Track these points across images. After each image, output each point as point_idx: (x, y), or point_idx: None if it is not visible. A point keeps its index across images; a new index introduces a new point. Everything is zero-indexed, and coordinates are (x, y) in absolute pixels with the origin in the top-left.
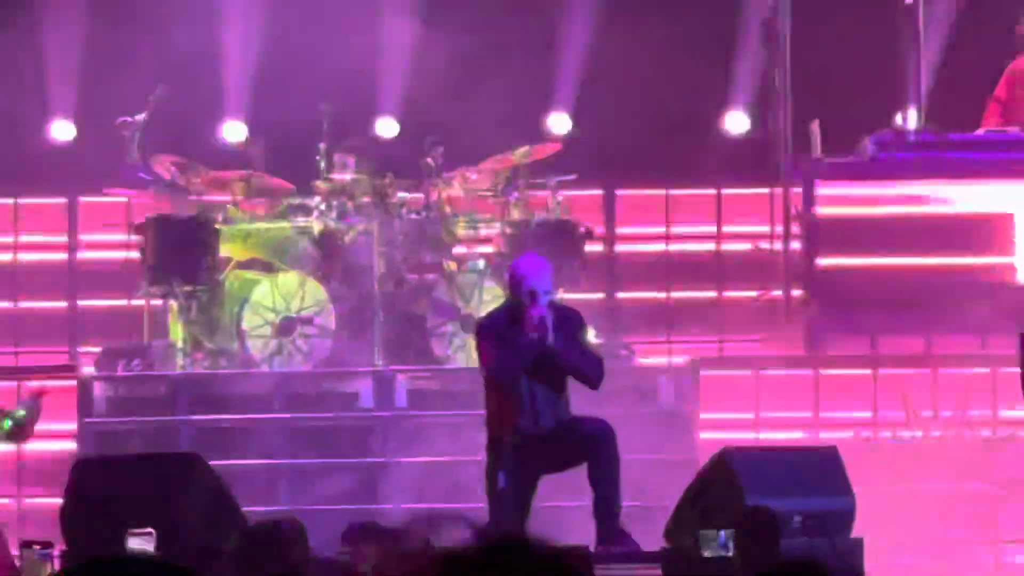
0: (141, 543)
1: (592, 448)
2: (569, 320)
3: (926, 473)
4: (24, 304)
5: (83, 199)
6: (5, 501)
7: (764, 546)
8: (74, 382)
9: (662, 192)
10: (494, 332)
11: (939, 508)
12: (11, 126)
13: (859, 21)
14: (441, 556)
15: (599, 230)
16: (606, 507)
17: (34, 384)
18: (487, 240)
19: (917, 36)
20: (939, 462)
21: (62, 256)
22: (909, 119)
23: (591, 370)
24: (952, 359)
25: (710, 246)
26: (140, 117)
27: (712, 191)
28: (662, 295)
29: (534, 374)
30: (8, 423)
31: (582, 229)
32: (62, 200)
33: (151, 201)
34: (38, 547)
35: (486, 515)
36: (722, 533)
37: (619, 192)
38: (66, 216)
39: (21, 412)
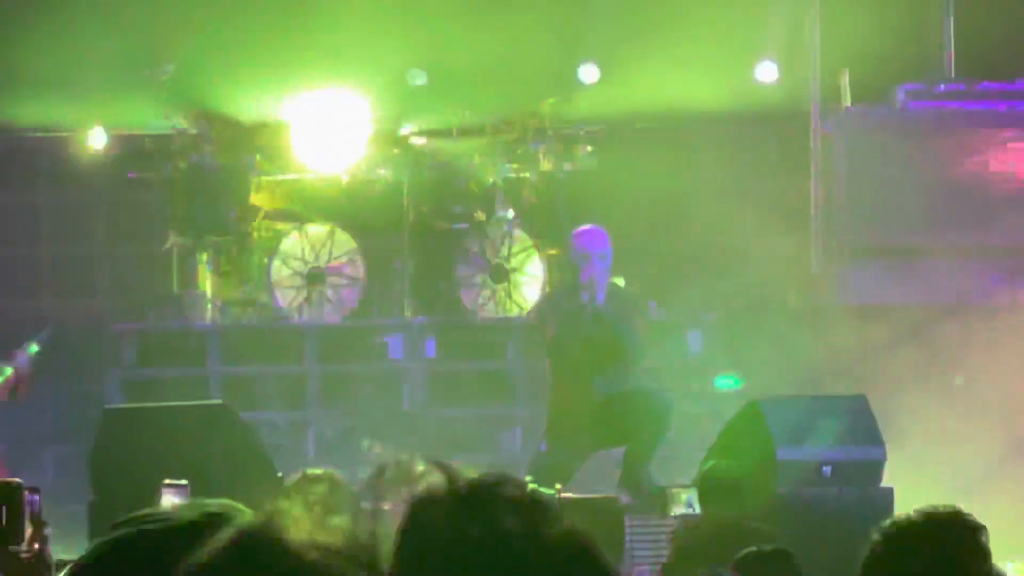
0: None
1: (646, 418)
2: (623, 300)
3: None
4: (54, 253)
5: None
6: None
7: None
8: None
9: (692, 139)
10: (552, 302)
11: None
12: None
13: None
14: (410, 502)
15: None
16: (637, 460)
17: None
18: (516, 190)
19: None
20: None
21: (92, 205)
22: (940, 68)
23: (629, 347)
24: (982, 309)
25: (740, 195)
26: (169, 68)
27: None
28: (690, 244)
29: (592, 343)
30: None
31: (612, 178)
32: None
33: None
34: None
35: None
36: (688, 494)
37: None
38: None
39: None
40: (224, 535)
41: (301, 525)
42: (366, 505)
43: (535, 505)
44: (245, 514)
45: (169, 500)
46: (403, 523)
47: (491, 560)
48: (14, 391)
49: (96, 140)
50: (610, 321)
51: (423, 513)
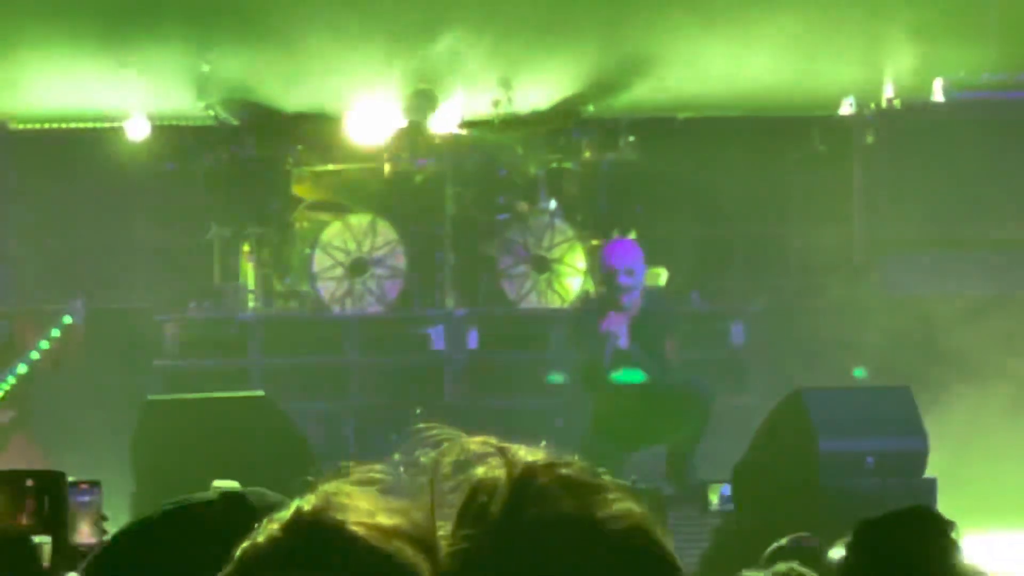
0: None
1: (688, 412)
2: (653, 324)
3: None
4: (94, 245)
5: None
6: None
7: None
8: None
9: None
10: (580, 332)
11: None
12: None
13: None
14: (469, 489)
15: None
16: (680, 453)
17: None
18: (558, 181)
19: None
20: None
21: (132, 197)
22: (979, 60)
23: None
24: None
25: (782, 185)
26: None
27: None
28: (734, 234)
29: (637, 361)
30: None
31: (654, 168)
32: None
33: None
34: None
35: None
36: (725, 486)
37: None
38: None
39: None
40: (280, 517)
41: (360, 507)
42: (424, 487)
43: (594, 487)
44: (266, 496)
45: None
46: (460, 508)
47: (547, 544)
48: (59, 361)
49: (137, 131)
50: (635, 359)
51: (480, 495)
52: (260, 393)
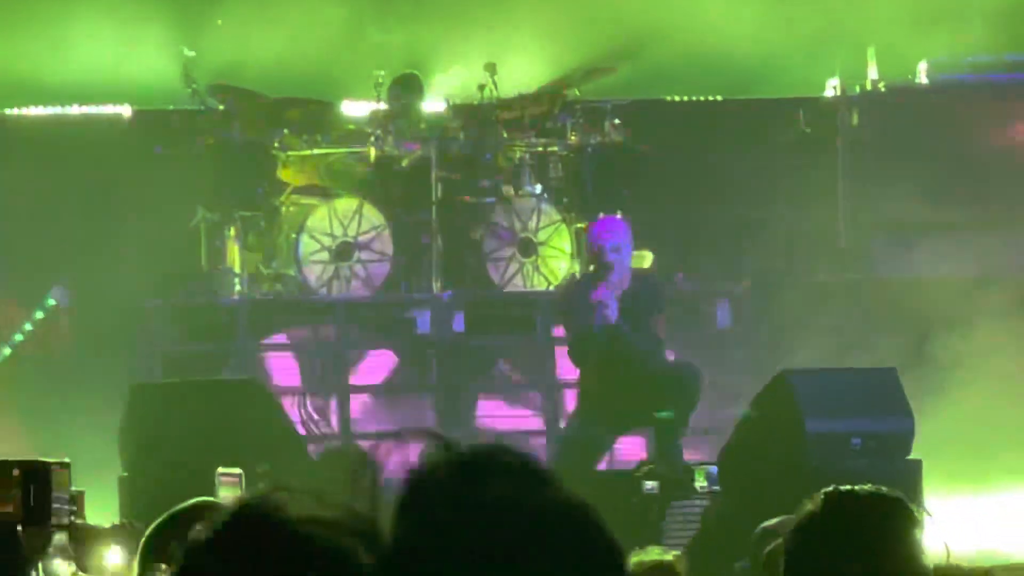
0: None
1: (675, 394)
2: (643, 297)
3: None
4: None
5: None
6: None
7: None
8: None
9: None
10: (568, 308)
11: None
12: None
13: None
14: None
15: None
16: (668, 435)
17: None
18: (544, 164)
19: None
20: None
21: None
22: (963, 42)
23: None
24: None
25: (768, 168)
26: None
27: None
28: (720, 217)
29: (607, 356)
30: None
31: (639, 151)
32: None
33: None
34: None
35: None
36: (712, 468)
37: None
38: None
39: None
40: (224, 511)
41: (301, 500)
42: (365, 478)
43: (532, 472)
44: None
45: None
46: (401, 494)
47: (489, 528)
48: (45, 344)
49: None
50: (624, 335)
51: (421, 484)
52: (247, 377)
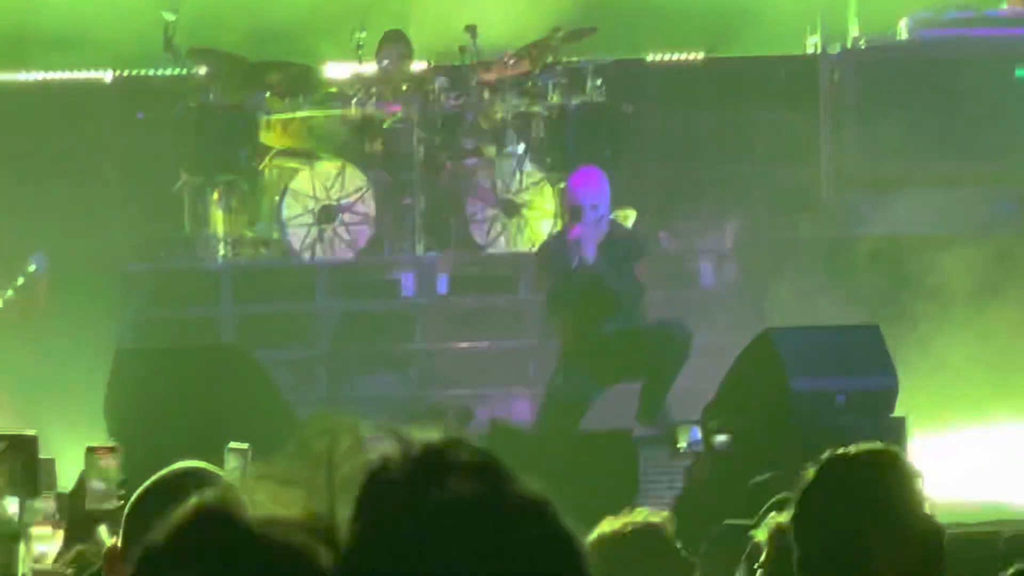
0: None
1: (663, 351)
2: (621, 247)
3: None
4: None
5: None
6: None
7: None
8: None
9: (699, 66)
10: (546, 255)
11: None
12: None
13: None
14: (363, 474)
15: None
16: (654, 393)
17: None
18: (526, 125)
19: None
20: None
21: (101, 146)
22: None
23: (624, 299)
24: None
25: (749, 126)
26: (175, 10)
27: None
28: (701, 175)
29: (586, 300)
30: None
31: (621, 111)
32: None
33: (188, 91)
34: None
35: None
36: (694, 428)
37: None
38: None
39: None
40: (179, 513)
41: (257, 500)
42: (321, 476)
43: (491, 469)
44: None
45: (233, 462)
46: (358, 494)
47: (447, 527)
48: (26, 310)
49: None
50: (602, 277)
51: (377, 483)
52: (232, 342)
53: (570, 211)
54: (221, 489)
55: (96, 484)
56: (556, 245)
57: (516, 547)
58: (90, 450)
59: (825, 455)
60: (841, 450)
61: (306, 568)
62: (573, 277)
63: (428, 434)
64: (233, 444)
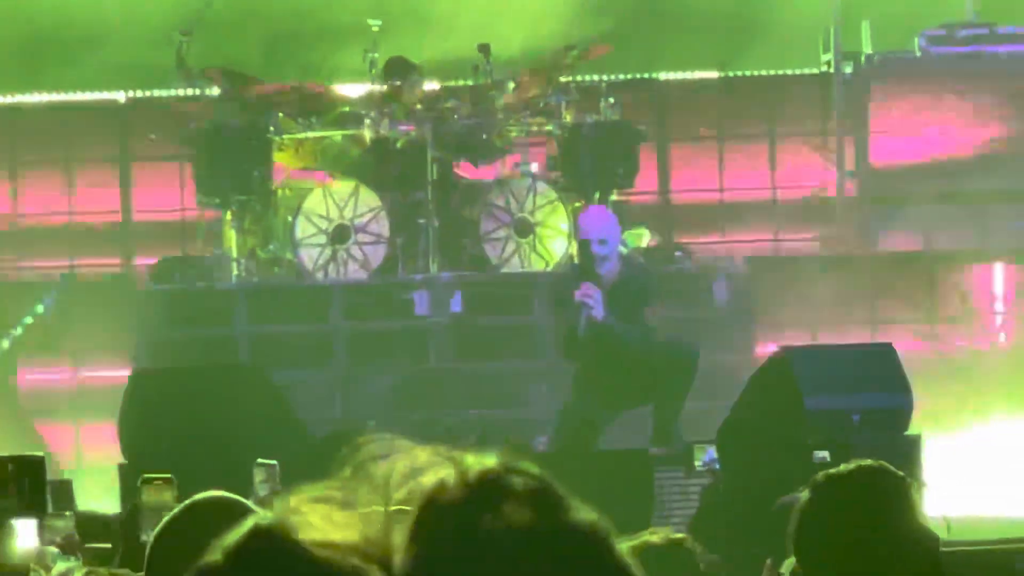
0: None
1: (672, 372)
2: (632, 287)
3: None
4: (79, 217)
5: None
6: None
7: None
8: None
9: (713, 84)
10: (556, 300)
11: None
12: (62, 40)
13: None
14: (420, 499)
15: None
16: (666, 414)
17: None
18: (539, 144)
19: None
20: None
21: (116, 168)
22: (961, 13)
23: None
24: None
25: (764, 143)
26: (189, 31)
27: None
28: (716, 193)
29: (597, 351)
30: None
31: (635, 129)
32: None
33: (203, 112)
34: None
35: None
36: (710, 449)
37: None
38: (119, 128)
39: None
40: (236, 535)
41: (314, 523)
42: (378, 501)
43: (547, 496)
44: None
45: (260, 480)
46: (413, 520)
47: (503, 555)
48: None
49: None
50: (613, 331)
51: (432, 508)
52: (247, 363)
53: (578, 246)
54: (277, 512)
55: (151, 514)
56: (564, 293)
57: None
58: (146, 480)
59: (818, 475)
60: (833, 470)
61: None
62: (580, 333)
63: (485, 459)
64: (261, 460)
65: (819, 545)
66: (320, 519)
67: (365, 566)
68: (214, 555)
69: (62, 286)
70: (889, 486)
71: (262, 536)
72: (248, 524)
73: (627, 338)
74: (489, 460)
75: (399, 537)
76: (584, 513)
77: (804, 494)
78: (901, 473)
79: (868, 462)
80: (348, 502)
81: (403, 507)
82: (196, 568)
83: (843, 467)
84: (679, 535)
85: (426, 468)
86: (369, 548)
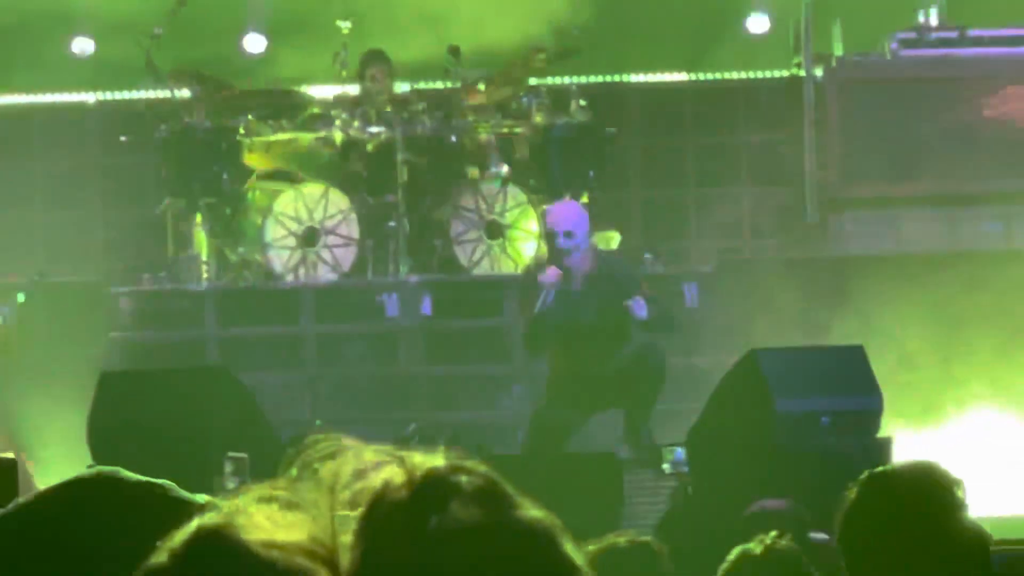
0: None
1: (641, 375)
2: (608, 280)
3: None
4: (48, 219)
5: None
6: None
7: None
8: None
9: (683, 88)
10: (526, 288)
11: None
12: (32, 40)
13: None
14: (369, 499)
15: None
16: (636, 417)
17: None
18: (510, 146)
19: None
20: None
21: (85, 170)
22: (931, 16)
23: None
24: (980, 256)
25: (733, 146)
26: (159, 30)
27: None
28: (685, 196)
29: (572, 331)
30: None
31: (605, 132)
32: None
33: (171, 114)
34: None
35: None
36: (679, 450)
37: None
38: (88, 129)
39: None
40: (181, 536)
41: (259, 524)
42: (324, 500)
43: (494, 494)
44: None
45: (230, 472)
46: (360, 519)
47: (450, 554)
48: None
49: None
50: (582, 322)
51: (379, 508)
52: (216, 364)
53: (546, 238)
54: (221, 512)
55: None
56: (529, 283)
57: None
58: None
59: (864, 475)
60: (880, 468)
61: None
62: (548, 314)
63: (432, 459)
64: (231, 453)
65: (865, 543)
66: (265, 519)
67: (312, 566)
68: (159, 556)
69: (29, 290)
70: (937, 484)
71: (207, 536)
72: (193, 524)
73: (597, 329)
74: (436, 459)
75: (346, 537)
76: (533, 511)
77: (851, 492)
78: (950, 472)
79: (918, 460)
80: (294, 502)
81: (349, 508)
82: (142, 569)
83: (892, 465)
84: (645, 537)
85: (373, 468)
86: (316, 548)
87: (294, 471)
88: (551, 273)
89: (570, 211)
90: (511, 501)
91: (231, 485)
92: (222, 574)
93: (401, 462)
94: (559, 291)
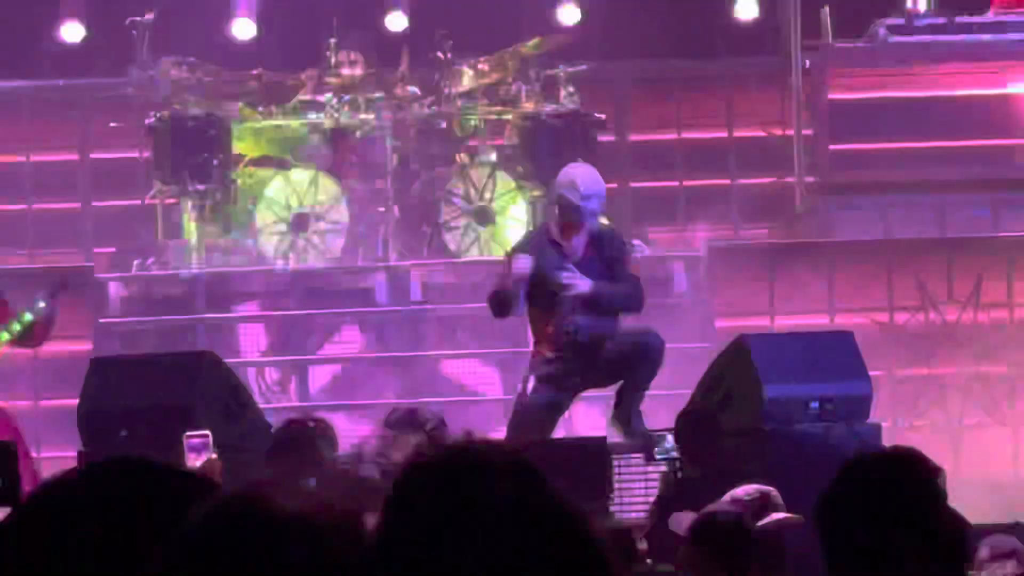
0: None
1: (637, 359)
2: (607, 249)
3: (942, 357)
4: (38, 205)
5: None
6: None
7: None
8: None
9: (671, 74)
10: (530, 246)
11: (955, 392)
12: (20, 27)
13: None
14: (406, 463)
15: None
16: (627, 401)
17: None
18: (499, 132)
19: None
20: (954, 346)
21: (74, 157)
22: (920, 3)
23: (627, 304)
24: (966, 242)
25: (723, 133)
26: (149, 17)
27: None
28: (675, 183)
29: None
30: (17, 327)
31: (594, 119)
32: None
33: (161, 101)
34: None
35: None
36: (669, 436)
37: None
38: (77, 116)
39: (28, 316)
40: (208, 502)
41: (288, 492)
42: (352, 468)
43: (524, 471)
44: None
45: (193, 450)
46: (391, 489)
47: (478, 526)
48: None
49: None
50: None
51: (411, 479)
52: (205, 350)
53: (560, 195)
54: (247, 480)
55: None
56: (543, 237)
57: (548, 549)
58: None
59: (844, 462)
60: (859, 455)
61: (334, 559)
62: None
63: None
64: (190, 432)
65: (843, 529)
66: (292, 490)
67: (335, 534)
68: (187, 523)
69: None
70: (917, 472)
71: (233, 504)
72: (212, 500)
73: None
74: (466, 437)
75: (372, 503)
76: (562, 491)
77: (834, 477)
78: (931, 460)
79: (899, 447)
80: (300, 488)
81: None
82: (171, 536)
83: (872, 452)
84: (623, 525)
85: (402, 443)
86: (343, 519)
87: (296, 457)
88: (522, 262)
89: (592, 173)
90: (546, 481)
91: (196, 463)
92: (249, 541)
93: (434, 436)
94: (549, 260)
